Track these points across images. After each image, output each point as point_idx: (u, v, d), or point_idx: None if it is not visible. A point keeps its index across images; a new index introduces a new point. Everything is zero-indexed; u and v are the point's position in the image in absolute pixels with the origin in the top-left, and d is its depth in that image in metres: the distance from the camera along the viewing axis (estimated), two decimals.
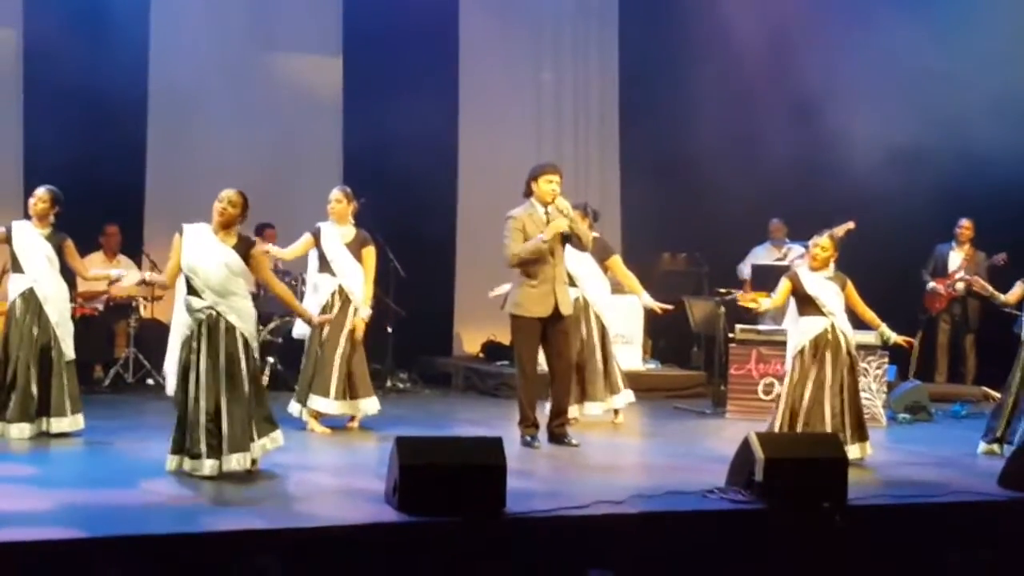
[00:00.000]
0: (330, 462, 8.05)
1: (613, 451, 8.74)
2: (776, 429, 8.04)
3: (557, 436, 8.47)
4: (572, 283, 9.29)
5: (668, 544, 6.11)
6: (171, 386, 7.02)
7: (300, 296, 9.47)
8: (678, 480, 7.06)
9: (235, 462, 6.84)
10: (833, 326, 8.13)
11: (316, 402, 8.82)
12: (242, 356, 6.94)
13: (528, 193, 8.46)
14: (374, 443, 7.93)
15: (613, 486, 6.83)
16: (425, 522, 5.81)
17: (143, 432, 8.15)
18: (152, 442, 7.20)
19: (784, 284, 8.31)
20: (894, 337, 8.42)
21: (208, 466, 6.80)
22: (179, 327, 7.03)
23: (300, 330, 9.10)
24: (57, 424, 8.14)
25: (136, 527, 5.62)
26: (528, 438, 8.37)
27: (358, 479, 7.08)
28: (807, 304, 8.18)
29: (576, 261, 9.34)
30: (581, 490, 6.68)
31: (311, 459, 7.99)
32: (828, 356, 8.08)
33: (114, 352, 11.11)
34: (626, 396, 9.80)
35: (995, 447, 8.60)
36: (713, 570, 6.08)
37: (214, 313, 6.92)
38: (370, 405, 8.98)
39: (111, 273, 8.85)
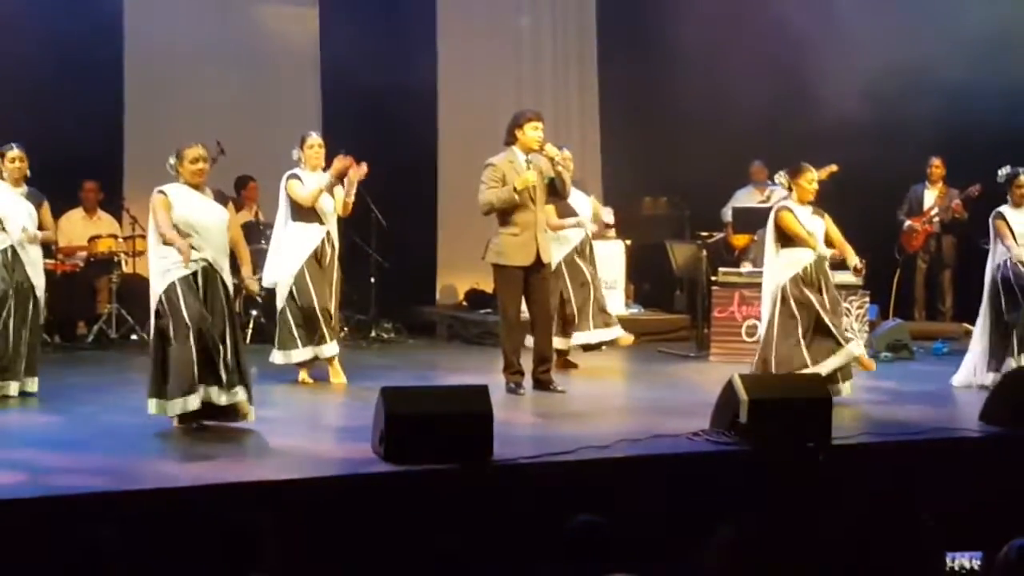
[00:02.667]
0: (316, 413, 8.08)
1: (598, 396, 8.76)
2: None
3: (542, 383, 8.48)
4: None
5: (655, 487, 6.16)
6: None
7: None
8: (663, 424, 7.08)
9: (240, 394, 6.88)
10: (820, 257, 8.12)
11: (325, 350, 8.79)
12: (232, 310, 7.06)
13: (511, 141, 8.40)
14: (360, 394, 7.94)
15: (599, 431, 6.86)
16: (412, 471, 5.83)
17: (129, 387, 8.13)
18: (137, 398, 7.18)
19: (790, 216, 8.10)
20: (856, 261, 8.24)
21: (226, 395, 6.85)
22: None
23: (270, 278, 9.09)
24: (31, 384, 8.12)
25: (123, 482, 5.64)
26: (513, 385, 8.39)
27: (344, 430, 7.09)
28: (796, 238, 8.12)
29: (580, 200, 9.53)
30: (567, 436, 6.70)
31: (297, 411, 8.01)
32: (823, 283, 8.07)
33: (96, 308, 11.06)
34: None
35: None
36: (699, 512, 6.11)
37: (209, 266, 6.92)
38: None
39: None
